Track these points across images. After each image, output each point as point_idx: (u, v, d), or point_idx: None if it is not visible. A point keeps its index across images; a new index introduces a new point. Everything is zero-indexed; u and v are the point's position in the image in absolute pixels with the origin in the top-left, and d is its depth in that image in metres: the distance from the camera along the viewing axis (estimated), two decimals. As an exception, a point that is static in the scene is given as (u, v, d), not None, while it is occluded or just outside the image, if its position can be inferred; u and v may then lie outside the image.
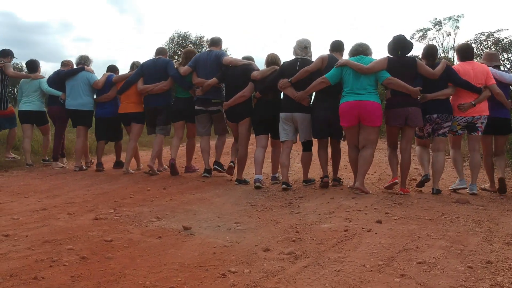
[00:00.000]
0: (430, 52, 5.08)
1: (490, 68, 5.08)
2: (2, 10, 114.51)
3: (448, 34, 37.03)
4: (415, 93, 4.74)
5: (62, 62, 6.98)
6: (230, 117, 5.76)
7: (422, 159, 5.19)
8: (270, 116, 5.43)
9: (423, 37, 37.87)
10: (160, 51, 6.45)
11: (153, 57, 6.61)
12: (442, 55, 36.78)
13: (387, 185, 4.97)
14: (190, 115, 6.07)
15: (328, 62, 5.14)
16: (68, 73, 6.61)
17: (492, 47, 22.39)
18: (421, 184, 5.06)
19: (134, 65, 6.59)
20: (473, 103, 4.85)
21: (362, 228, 3.30)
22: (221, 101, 5.84)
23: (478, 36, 24.02)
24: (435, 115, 4.86)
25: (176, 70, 6.03)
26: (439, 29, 37.06)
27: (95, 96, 6.67)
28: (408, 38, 5.04)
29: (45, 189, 4.87)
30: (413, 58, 4.97)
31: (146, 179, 5.72)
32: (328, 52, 5.44)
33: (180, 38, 50.28)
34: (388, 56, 4.88)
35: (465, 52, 5.19)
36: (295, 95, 5.15)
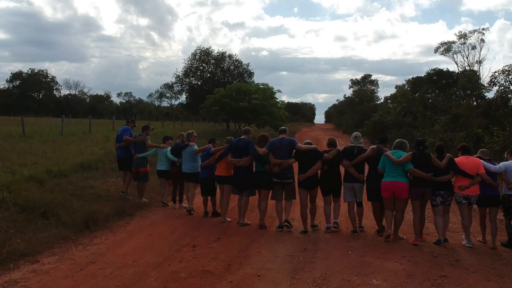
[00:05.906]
0: (439, 149, 7.73)
1: (482, 161, 7.45)
2: (25, 10, 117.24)
3: (473, 47, 36.08)
4: (428, 178, 7.30)
5: (179, 135, 10.25)
6: (305, 186, 7.93)
7: (438, 227, 7.46)
8: (335, 182, 8.02)
9: (447, 50, 37.07)
10: (245, 132, 8.59)
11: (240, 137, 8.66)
12: (467, 68, 36.05)
13: (412, 242, 7.35)
14: (266, 184, 8.09)
15: (378, 151, 7.85)
16: (182, 147, 9.53)
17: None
18: (436, 243, 7.35)
19: (227, 140, 8.82)
20: (468, 186, 7.28)
21: None
22: (291, 176, 7.96)
23: (507, 68, 23.53)
24: (442, 192, 7.41)
25: (255, 150, 8.08)
26: (464, 42, 36.20)
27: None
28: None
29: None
30: (429, 154, 7.48)
31: (173, 276, 5.69)
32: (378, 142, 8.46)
33: (203, 54, 50.78)
34: (412, 152, 7.47)
35: (465, 150, 7.71)
36: (355, 175, 7.88)
